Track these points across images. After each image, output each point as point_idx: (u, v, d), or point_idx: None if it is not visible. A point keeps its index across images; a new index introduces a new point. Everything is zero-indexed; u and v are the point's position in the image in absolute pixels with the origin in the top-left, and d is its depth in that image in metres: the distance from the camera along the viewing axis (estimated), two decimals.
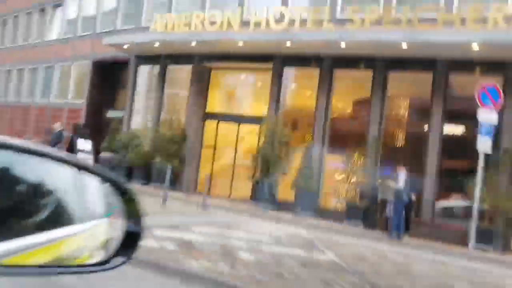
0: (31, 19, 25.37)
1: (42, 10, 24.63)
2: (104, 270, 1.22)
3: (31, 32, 25.28)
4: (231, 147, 16.66)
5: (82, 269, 1.29)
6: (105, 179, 1.28)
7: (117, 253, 1.24)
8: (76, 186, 1.29)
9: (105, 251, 1.33)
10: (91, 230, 1.34)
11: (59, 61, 22.69)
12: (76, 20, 22.03)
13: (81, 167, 1.27)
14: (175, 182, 15.69)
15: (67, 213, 1.27)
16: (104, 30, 20.14)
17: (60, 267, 1.23)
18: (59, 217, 1.22)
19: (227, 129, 17.00)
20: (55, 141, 18.12)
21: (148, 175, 16.22)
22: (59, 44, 22.81)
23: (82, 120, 20.50)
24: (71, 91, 21.85)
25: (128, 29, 18.86)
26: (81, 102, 20.80)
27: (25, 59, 24.93)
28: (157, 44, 15.88)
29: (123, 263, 1.23)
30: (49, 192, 1.19)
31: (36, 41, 24.57)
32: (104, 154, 17.49)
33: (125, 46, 17.12)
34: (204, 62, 16.37)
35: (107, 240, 1.37)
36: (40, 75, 23.90)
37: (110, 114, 20.46)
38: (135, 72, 18.45)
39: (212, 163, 16.75)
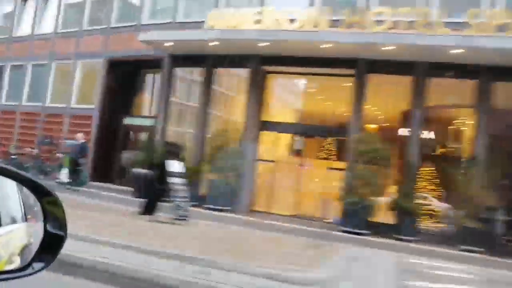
0: (15, 5, 21.63)
1: None
2: (23, 276, 1.15)
3: (13, 21, 21.54)
4: (292, 160, 14.92)
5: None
6: (23, 181, 1.21)
7: (37, 258, 1.18)
8: None
9: (24, 257, 1.24)
10: (7, 235, 1.27)
11: (54, 58, 19.38)
12: (81, 11, 18.87)
13: None
14: (231, 201, 13.67)
15: None
16: (124, 24, 17.38)
17: None
18: None
19: (288, 139, 15.22)
20: (79, 155, 15.29)
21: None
22: (56, 38, 19.49)
23: (93, 128, 17.56)
24: (75, 94, 18.66)
25: (158, 24, 16.32)
26: (91, 107, 17.81)
27: (5, 54, 21.19)
28: (214, 43, 13.68)
29: (44, 267, 1.17)
30: None
31: (22, 33, 20.93)
32: (138, 170, 14.89)
33: (167, 44, 14.66)
34: (265, 65, 14.41)
35: (26, 246, 1.28)
36: (28, 73, 20.34)
37: (128, 121, 17.73)
38: (170, 74, 15.97)
39: (271, 178, 14.85)
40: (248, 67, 14.63)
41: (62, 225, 1.20)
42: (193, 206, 13.76)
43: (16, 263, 1.23)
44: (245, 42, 13.43)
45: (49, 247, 1.18)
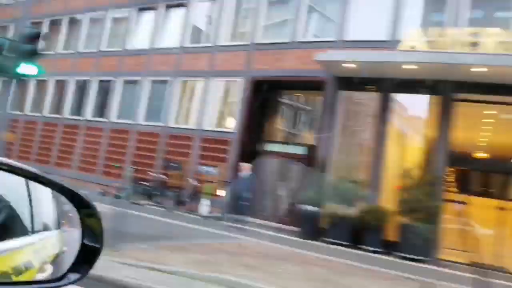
0: (126, 19, 20.17)
1: (148, 9, 19.58)
2: (59, 286, 1.14)
3: (124, 36, 20.05)
4: (489, 202, 12.94)
5: (33, 285, 1.16)
6: (61, 190, 1.21)
7: (72, 269, 1.17)
8: (27, 196, 1.22)
9: (56, 266, 1.25)
10: (40, 243, 1.27)
11: (179, 74, 17.77)
12: (216, 25, 17.26)
13: (34, 177, 1.18)
14: (427, 249, 11.75)
15: (15, 224, 1.19)
16: (273, 41, 15.71)
17: (6, 284, 1.09)
18: (5, 229, 1.13)
19: (479, 177, 13.29)
20: (245, 188, 13.49)
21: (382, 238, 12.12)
22: (182, 53, 17.90)
23: (231, 154, 15.80)
24: (208, 115, 16.95)
25: (318, 42, 14.63)
26: (229, 131, 16.09)
27: (116, 68, 19.66)
28: (410, 67, 11.91)
29: (79, 279, 1.16)
30: None
31: (138, 46, 19.39)
32: (306, 206, 13.06)
33: (347, 65, 12.91)
34: (456, 92, 12.58)
35: (58, 254, 1.28)
36: (146, 90, 18.75)
37: (273, 148, 15.95)
38: (334, 97, 14.18)
39: (463, 222, 12.86)
40: (435, 94, 12.84)
41: (99, 238, 1.18)
42: (378, 253, 11.94)
43: (48, 272, 1.22)
44: (451, 66, 11.63)
45: (84, 259, 1.16)
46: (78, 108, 21.13)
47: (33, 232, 1.25)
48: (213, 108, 17.03)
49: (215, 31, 17.23)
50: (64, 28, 22.80)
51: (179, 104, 17.86)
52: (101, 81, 20.56)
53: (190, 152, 16.86)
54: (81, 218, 1.20)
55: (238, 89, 16.23)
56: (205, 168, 15.84)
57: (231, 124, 16.14)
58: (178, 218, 13.22)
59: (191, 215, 14.45)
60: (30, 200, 1.23)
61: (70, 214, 1.23)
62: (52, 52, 20.55)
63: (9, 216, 1.17)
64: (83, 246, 1.18)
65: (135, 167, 17.20)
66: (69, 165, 20.14)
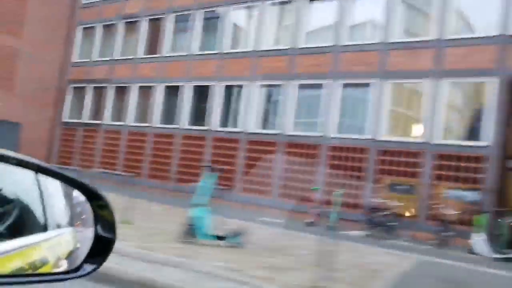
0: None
1: None
2: (76, 277, 1.18)
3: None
4: None
5: (50, 277, 1.18)
6: (73, 184, 1.23)
7: (87, 260, 1.20)
8: (38, 191, 1.20)
9: (70, 261, 1.23)
10: (55, 239, 1.24)
11: (383, 76, 14.40)
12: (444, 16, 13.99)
13: (45, 171, 1.19)
14: None
15: (29, 221, 1.17)
16: None
17: (25, 276, 1.11)
18: (18, 226, 1.12)
19: None
20: None
21: None
22: (387, 50, 14.55)
23: (489, 173, 12.46)
24: (438, 125, 13.58)
25: None
26: (481, 144, 12.76)
27: (274, 70, 16.19)
28: None
29: (94, 270, 1.20)
30: (7, 199, 1.10)
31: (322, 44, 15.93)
32: None
33: None
34: None
35: (72, 251, 1.26)
36: (337, 95, 15.29)
37: None
38: None
39: None
40: None
41: (112, 228, 1.20)
42: None
43: (63, 267, 1.22)
44: None
45: (99, 250, 1.19)
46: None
47: (47, 228, 1.21)
48: (444, 115, 13.68)
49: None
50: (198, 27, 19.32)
51: (388, 111, 14.41)
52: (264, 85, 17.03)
53: (419, 171, 13.41)
54: (93, 210, 1.21)
55: (489, 91, 12.96)
56: (455, 192, 12.44)
57: (483, 135, 12.81)
58: (466, 260, 9.89)
59: (474, 256, 10.99)
60: (42, 196, 1.20)
61: (83, 216, 1.23)
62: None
63: (23, 212, 1.15)
64: (96, 237, 1.19)
65: (343, 190, 13.61)
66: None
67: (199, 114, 18.45)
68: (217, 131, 17.58)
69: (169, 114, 19.42)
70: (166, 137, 19.07)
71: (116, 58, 21.73)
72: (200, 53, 18.85)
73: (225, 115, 17.90)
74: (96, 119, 21.99)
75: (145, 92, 20.44)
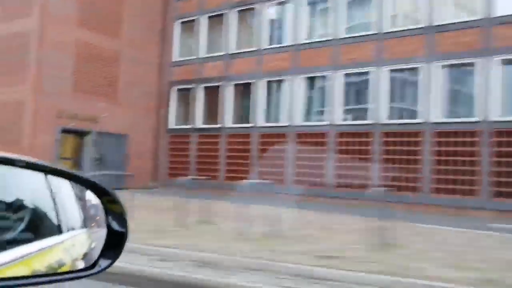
0: None
1: None
2: (92, 274, 1.19)
3: None
4: None
5: (68, 275, 1.18)
6: (80, 181, 1.23)
7: (102, 256, 1.20)
8: (51, 195, 1.19)
9: (86, 261, 1.23)
10: (70, 241, 1.25)
11: None
12: None
13: (51, 170, 1.18)
14: None
15: (42, 224, 1.17)
16: None
17: (44, 276, 1.11)
18: (33, 229, 1.11)
19: None
20: None
21: None
22: None
23: None
24: None
25: None
26: None
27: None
28: None
29: (110, 265, 1.20)
30: (21, 203, 1.09)
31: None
32: None
33: None
34: None
35: (87, 253, 1.26)
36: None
37: None
38: None
39: None
40: None
41: (124, 223, 1.21)
42: None
43: (80, 266, 1.23)
44: None
45: (112, 245, 1.20)
46: None
47: (61, 231, 1.22)
48: None
49: None
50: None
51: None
52: None
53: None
54: (104, 206, 1.21)
55: None
56: None
57: None
58: None
59: None
60: (54, 199, 1.20)
61: (97, 217, 1.23)
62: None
63: (37, 216, 1.15)
64: (109, 232, 1.20)
65: None
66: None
67: None
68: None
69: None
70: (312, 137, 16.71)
71: (231, 53, 19.25)
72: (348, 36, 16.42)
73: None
74: (212, 123, 19.59)
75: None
